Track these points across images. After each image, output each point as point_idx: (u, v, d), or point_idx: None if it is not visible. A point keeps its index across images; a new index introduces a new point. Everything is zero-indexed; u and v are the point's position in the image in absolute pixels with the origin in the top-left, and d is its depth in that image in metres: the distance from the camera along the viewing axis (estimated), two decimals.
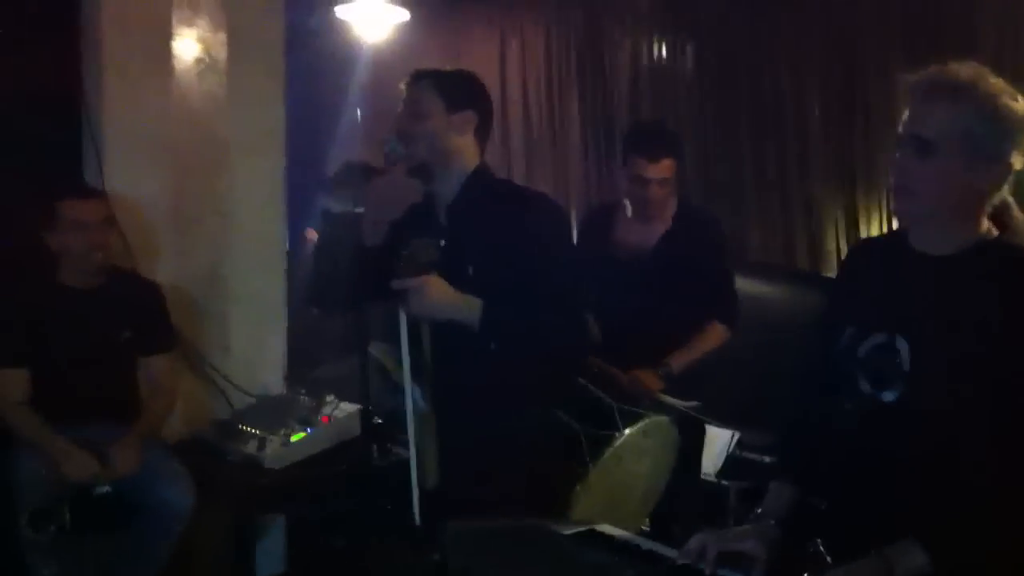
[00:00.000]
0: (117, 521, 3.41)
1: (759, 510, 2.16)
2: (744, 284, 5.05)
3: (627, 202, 3.90)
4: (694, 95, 6.40)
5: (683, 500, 3.62)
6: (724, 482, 4.16)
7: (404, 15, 6.31)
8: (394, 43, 6.59)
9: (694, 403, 3.68)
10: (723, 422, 4.36)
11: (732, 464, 4.27)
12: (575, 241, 4.05)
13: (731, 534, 2.08)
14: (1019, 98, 1.92)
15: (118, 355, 3.57)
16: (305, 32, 6.71)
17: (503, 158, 7.49)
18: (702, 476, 4.23)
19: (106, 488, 3.34)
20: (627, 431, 3.26)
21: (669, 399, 3.67)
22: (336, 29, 6.55)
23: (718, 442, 4.42)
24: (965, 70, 1.92)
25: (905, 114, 1.95)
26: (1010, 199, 1.99)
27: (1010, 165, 1.91)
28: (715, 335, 3.85)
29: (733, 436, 4.40)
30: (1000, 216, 1.99)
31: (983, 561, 1.85)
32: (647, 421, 3.39)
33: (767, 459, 3.92)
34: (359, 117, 6.24)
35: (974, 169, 1.91)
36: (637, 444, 3.32)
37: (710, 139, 6.34)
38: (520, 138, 7.44)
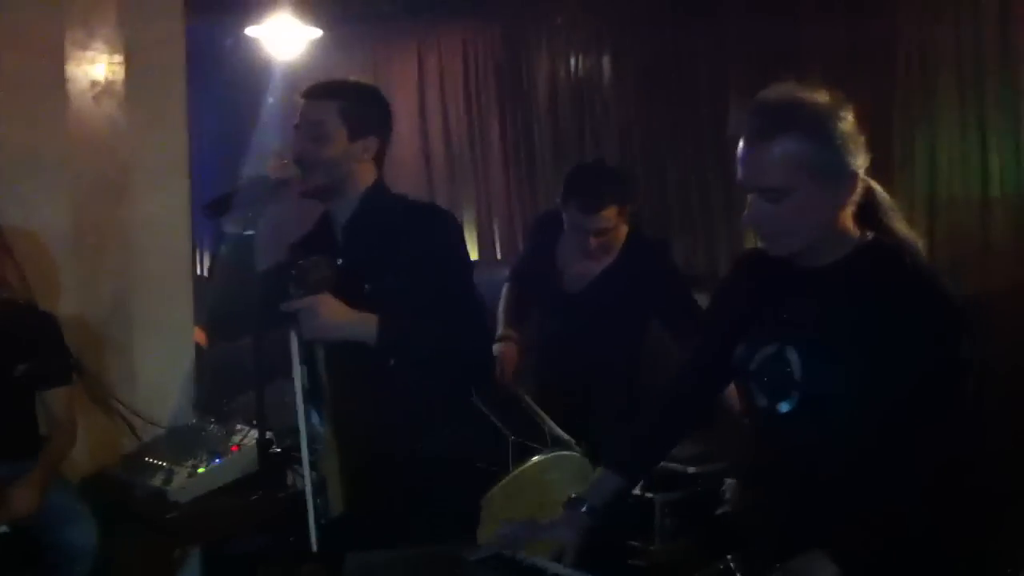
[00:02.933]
0: (19, 563, 3.30)
1: (573, 495, 2.16)
2: None
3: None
4: (612, 106, 6.40)
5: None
6: (648, 495, 4.13)
7: (316, 32, 6.24)
8: (309, 60, 6.52)
9: (571, 440, 3.58)
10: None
11: (656, 476, 4.24)
12: (525, 244, 3.95)
13: (543, 524, 2.10)
14: (842, 109, 1.88)
15: (14, 391, 3.45)
16: (215, 52, 6.63)
17: (423, 171, 7.46)
18: None
19: (3, 528, 3.23)
20: (523, 467, 3.23)
21: (559, 431, 3.58)
22: (248, 49, 6.46)
23: None
24: (785, 98, 1.87)
25: (739, 153, 1.89)
26: (872, 183, 1.97)
27: (857, 173, 1.89)
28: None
29: None
30: (868, 207, 1.97)
31: (891, 562, 1.83)
32: (547, 457, 3.36)
33: (691, 469, 3.90)
34: (275, 136, 6.16)
35: (827, 194, 1.88)
36: (535, 479, 3.28)
37: (630, 150, 6.34)
38: (440, 153, 7.41)
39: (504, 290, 4.04)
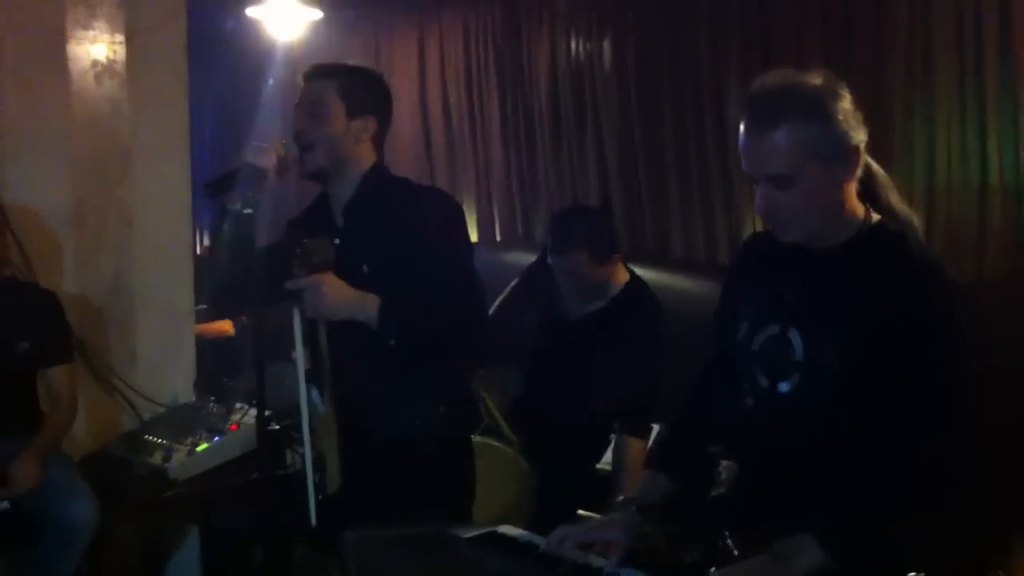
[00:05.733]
0: (18, 538, 3.32)
1: (621, 497, 2.20)
2: (667, 279, 5.06)
3: None
4: (614, 90, 6.39)
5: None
6: None
7: (317, 14, 6.24)
8: (311, 42, 6.53)
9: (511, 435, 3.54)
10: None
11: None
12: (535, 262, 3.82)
13: (594, 523, 2.12)
14: (839, 89, 1.89)
15: (16, 368, 3.46)
16: (217, 33, 6.63)
17: (424, 154, 7.46)
18: None
19: (4, 504, 3.25)
20: None
21: (504, 427, 3.53)
22: (249, 29, 6.46)
23: None
24: (783, 84, 1.88)
25: (741, 143, 1.90)
26: (868, 159, 1.98)
27: (859, 147, 1.91)
28: (639, 454, 3.39)
29: (653, 430, 4.39)
30: (867, 184, 1.98)
31: (879, 552, 1.84)
32: (475, 441, 3.21)
33: None
34: (275, 117, 6.16)
35: (833, 173, 1.90)
36: None
37: (631, 133, 6.34)
38: (441, 134, 7.41)
39: (509, 288, 3.95)
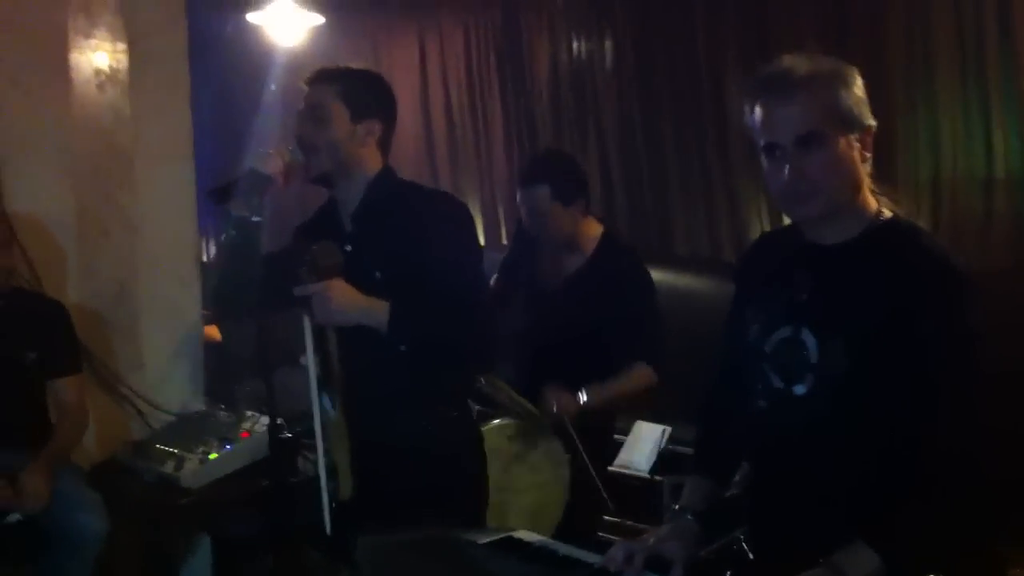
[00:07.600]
0: (29, 550, 3.30)
1: (676, 505, 2.16)
2: (670, 276, 5.06)
3: None
4: (614, 89, 6.39)
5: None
6: (657, 478, 4.15)
7: (318, 19, 6.24)
8: (311, 46, 6.52)
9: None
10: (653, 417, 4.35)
11: (664, 460, 4.26)
12: (512, 237, 3.86)
13: (652, 538, 2.06)
14: (853, 71, 1.93)
15: (24, 379, 3.45)
16: (217, 39, 6.63)
17: (427, 157, 7.45)
18: (635, 472, 4.22)
19: (15, 516, 3.23)
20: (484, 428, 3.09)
21: (530, 407, 3.40)
22: (249, 35, 6.46)
23: (649, 438, 4.41)
24: (803, 59, 1.89)
25: (761, 116, 1.89)
26: None
27: (872, 128, 1.92)
28: (640, 377, 3.47)
29: (664, 432, 4.38)
30: None
31: (933, 554, 1.84)
32: (504, 422, 3.27)
33: None
34: (276, 122, 6.16)
35: (853, 143, 1.90)
36: (499, 448, 3.17)
37: (633, 132, 6.33)
38: (443, 137, 7.40)
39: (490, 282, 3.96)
